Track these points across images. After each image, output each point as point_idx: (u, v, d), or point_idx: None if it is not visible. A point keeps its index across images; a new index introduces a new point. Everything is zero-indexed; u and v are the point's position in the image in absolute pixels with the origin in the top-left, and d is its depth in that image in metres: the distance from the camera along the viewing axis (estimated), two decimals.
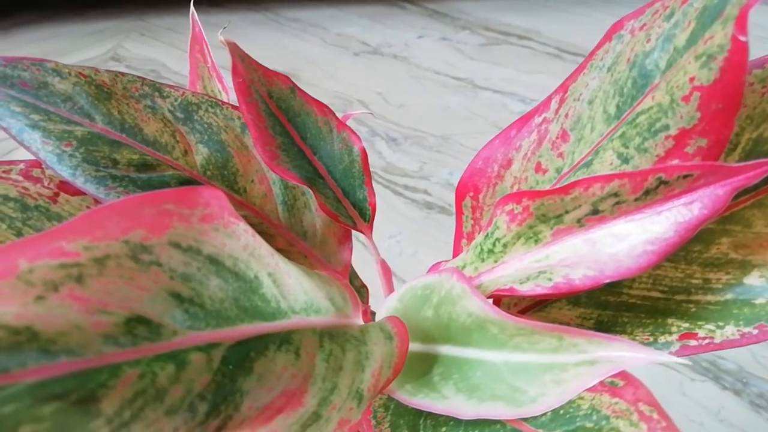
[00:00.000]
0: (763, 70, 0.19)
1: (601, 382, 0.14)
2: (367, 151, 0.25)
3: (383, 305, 0.22)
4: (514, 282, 0.17)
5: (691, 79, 0.15)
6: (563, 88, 0.20)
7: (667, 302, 0.19)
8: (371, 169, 0.86)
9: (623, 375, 0.14)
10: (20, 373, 0.10)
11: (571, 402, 0.14)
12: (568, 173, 0.20)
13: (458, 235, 0.24)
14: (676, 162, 0.16)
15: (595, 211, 0.17)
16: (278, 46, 1.18)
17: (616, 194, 0.16)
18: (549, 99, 0.21)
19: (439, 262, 0.22)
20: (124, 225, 0.13)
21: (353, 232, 0.26)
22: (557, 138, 0.20)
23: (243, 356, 0.14)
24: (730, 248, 0.19)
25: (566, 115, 0.20)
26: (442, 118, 0.95)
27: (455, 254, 0.25)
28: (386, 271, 0.25)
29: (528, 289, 0.17)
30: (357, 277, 0.28)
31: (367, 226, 0.25)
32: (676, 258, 0.19)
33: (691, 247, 0.19)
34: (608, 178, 0.16)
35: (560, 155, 0.20)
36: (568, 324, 0.21)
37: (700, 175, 0.15)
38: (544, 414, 0.15)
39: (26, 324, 0.11)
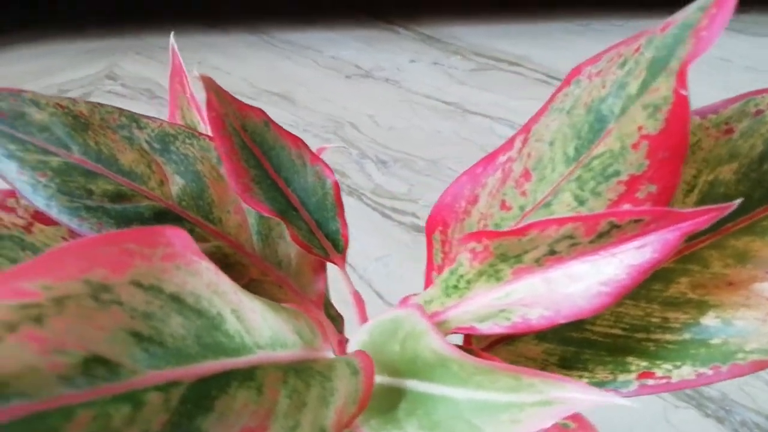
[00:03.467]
0: (717, 116, 0.19)
1: (556, 424, 0.14)
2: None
3: (353, 338, 0.23)
4: (474, 320, 0.18)
5: (640, 128, 0.15)
6: (526, 129, 0.21)
7: (628, 340, 0.19)
8: (360, 191, 0.87)
9: (575, 417, 0.14)
10: None
11: None
12: (530, 211, 0.20)
13: (429, 267, 0.24)
14: (627, 206, 0.17)
15: (552, 252, 0.17)
16: (271, 68, 1.20)
17: (570, 236, 0.16)
18: (513, 139, 0.21)
19: (408, 296, 0.22)
20: (85, 264, 0.14)
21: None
22: (520, 177, 0.20)
23: (203, 394, 0.14)
24: (688, 288, 0.19)
25: (529, 155, 0.20)
26: (432, 142, 0.96)
27: (426, 285, 0.25)
28: (359, 303, 0.26)
29: (487, 327, 0.17)
30: (332, 306, 0.28)
31: (339, 257, 0.25)
32: (637, 296, 0.20)
33: (651, 286, 0.20)
34: (562, 221, 0.16)
35: (523, 194, 0.20)
36: (534, 359, 0.21)
37: (651, 220, 0.16)
38: None
39: None
